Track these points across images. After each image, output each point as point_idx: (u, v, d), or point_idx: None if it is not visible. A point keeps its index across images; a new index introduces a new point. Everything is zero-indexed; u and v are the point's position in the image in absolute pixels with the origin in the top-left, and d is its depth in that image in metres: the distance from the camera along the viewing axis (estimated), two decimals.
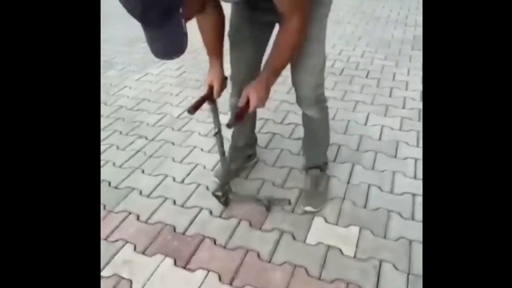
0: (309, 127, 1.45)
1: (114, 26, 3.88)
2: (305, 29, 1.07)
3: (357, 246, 1.28)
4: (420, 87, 2.33)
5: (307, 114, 1.38)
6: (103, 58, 3.07)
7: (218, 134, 1.34)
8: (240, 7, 1.28)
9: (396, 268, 1.19)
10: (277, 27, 1.14)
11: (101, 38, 3.53)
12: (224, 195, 1.44)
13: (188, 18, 0.87)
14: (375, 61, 2.74)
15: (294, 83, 1.31)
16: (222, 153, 1.39)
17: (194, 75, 2.67)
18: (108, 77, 2.74)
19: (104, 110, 2.27)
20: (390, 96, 2.25)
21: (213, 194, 1.45)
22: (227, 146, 1.55)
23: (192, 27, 1.03)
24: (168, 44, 0.82)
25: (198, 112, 2.20)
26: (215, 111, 1.32)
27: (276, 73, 1.11)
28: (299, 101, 1.35)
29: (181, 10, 0.79)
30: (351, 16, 3.78)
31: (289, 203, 1.42)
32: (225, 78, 1.31)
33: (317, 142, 1.50)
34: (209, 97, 1.29)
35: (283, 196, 1.47)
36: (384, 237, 1.31)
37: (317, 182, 1.50)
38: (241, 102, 1.09)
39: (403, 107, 2.12)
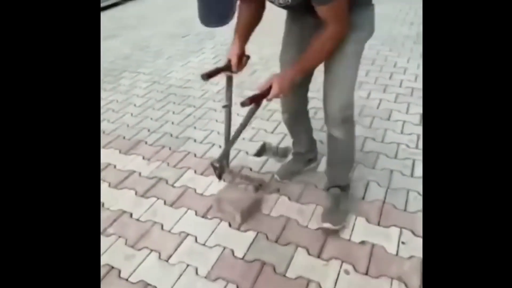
0: (334, 148, 1.46)
1: (159, 25, 4.53)
2: (339, 38, 1.15)
3: (380, 215, 1.51)
4: (415, 71, 2.80)
5: (333, 135, 1.39)
6: (152, 49, 3.69)
7: (228, 107, 1.41)
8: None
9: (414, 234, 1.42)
10: None
11: (148, 34, 4.17)
12: (221, 168, 1.51)
13: None
14: (381, 52, 3.23)
15: (323, 102, 1.34)
16: (228, 126, 1.45)
17: None
18: (157, 64, 3.34)
19: (158, 87, 2.87)
20: (390, 78, 2.74)
21: (211, 164, 1.52)
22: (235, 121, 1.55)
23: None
24: (219, 11, 0.92)
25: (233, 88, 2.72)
26: (229, 83, 1.41)
27: (303, 71, 1.20)
28: (326, 119, 1.37)
29: None
30: None
31: (278, 190, 1.58)
32: (247, 57, 1.43)
33: (339, 163, 1.51)
34: (226, 69, 1.41)
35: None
36: (405, 210, 1.54)
37: (338, 201, 1.50)
38: (262, 88, 1.17)
39: (400, 86, 2.60)
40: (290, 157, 1.84)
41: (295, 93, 1.44)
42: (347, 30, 1.15)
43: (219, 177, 1.52)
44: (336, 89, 1.28)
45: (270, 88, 1.16)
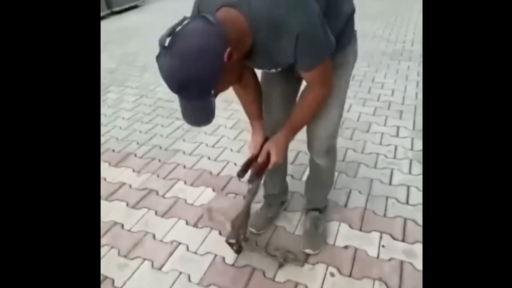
0: (315, 173, 1.48)
1: (144, 40, 4.60)
2: (326, 98, 1.15)
3: (362, 221, 1.61)
4: (392, 86, 2.98)
5: (315, 161, 1.41)
6: (139, 63, 3.75)
7: (255, 185, 1.33)
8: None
9: (393, 238, 1.51)
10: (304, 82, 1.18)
11: (134, 48, 4.23)
12: (238, 243, 1.43)
13: (221, 91, 0.96)
14: (360, 68, 3.40)
15: (308, 132, 1.34)
16: (249, 203, 1.36)
17: None
18: (144, 78, 3.41)
19: (146, 101, 2.93)
20: (368, 93, 2.90)
21: (227, 241, 1.43)
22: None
23: None
24: (199, 115, 0.94)
25: (219, 104, 2.85)
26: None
27: (295, 131, 1.19)
28: (310, 148, 1.38)
29: (213, 91, 0.90)
30: None
31: (302, 265, 1.42)
32: (267, 139, 1.30)
33: (320, 187, 1.55)
34: (255, 159, 1.28)
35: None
36: (384, 216, 1.64)
37: (316, 224, 1.54)
38: (261, 158, 1.17)
39: (378, 100, 2.76)
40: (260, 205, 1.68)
41: (280, 121, 1.35)
42: (332, 88, 1.15)
43: (238, 252, 1.47)
44: (323, 124, 1.28)
45: (269, 156, 1.17)
